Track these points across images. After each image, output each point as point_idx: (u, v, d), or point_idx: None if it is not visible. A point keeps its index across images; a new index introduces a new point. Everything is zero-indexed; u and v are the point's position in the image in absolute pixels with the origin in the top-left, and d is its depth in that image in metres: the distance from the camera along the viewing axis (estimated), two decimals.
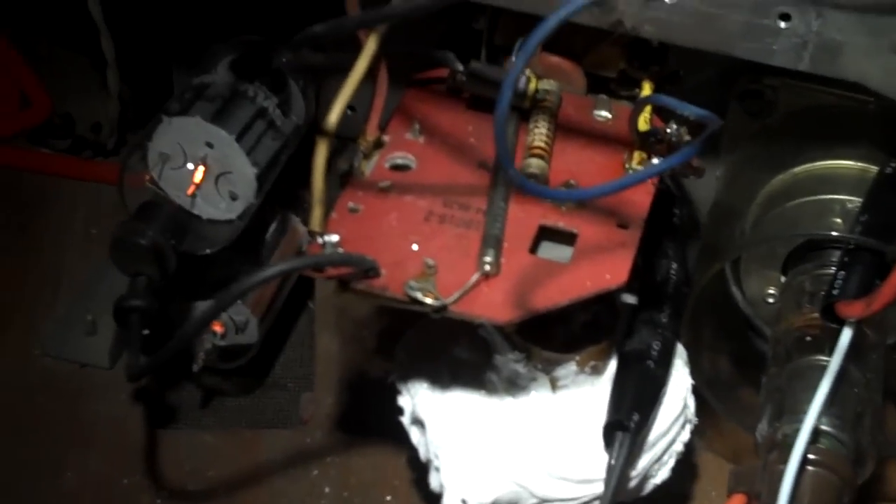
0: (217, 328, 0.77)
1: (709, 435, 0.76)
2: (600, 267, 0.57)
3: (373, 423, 0.73)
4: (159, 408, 0.80)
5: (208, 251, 0.73)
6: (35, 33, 0.96)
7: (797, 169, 0.68)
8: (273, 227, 0.82)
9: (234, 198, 0.72)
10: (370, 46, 0.56)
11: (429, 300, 0.55)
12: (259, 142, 0.74)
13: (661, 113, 0.63)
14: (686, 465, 0.74)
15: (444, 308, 0.55)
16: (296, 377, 0.84)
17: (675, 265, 0.67)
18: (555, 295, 0.56)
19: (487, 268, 0.56)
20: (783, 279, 0.69)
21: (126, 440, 0.77)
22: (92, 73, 0.93)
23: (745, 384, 0.73)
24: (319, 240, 0.56)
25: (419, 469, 0.65)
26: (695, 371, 0.68)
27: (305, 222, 0.77)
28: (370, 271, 0.55)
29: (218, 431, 0.78)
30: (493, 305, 0.55)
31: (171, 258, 0.69)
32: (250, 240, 0.79)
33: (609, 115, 0.65)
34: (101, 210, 0.90)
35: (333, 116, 0.55)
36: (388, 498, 0.73)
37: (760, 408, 0.61)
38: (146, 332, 0.67)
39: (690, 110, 0.53)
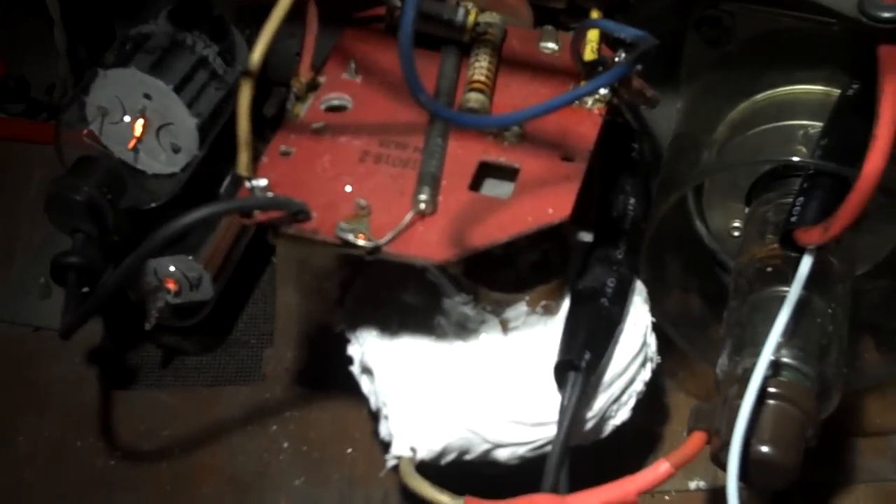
0: (170, 285, 0.76)
1: (681, 375, 0.75)
2: (543, 201, 0.54)
3: (333, 376, 0.71)
4: (117, 369, 0.78)
5: (153, 205, 0.71)
6: None
7: (758, 96, 0.66)
8: (226, 182, 0.79)
9: (176, 150, 0.71)
10: None
11: (361, 241, 0.53)
12: (201, 92, 0.72)
13: (610, 43, 0.60)
14: (658, 405, 0.73)
15: (377, 249, 0.53)
16: (259, 333, 0.83)
17: (632, 200, 0.65)
18: (494, 232, 0.53)
19: (423, 206, 0.54)
20: (747, 211, 0.66)
21: (80, 402, 0.75)
22: (45, 35, 0.89)
23: (715, 323, 0.71)
24: (247, 184, 0.54)
25: (375, 418, 0.63)
26: (661, 311, 0.67)
27: None
28: (299, 214, 0.53)
29: (176, 391, 0.77)
30: (428, 245, 0.53)
31: (107, 213, 0.68)
32: (203, 195, 0.76)
33: (556, 47, 0.62)
34: (57, 172, 0.86)
35: (256, 55, 0.53)
36: (349, 451, 0.71)
37: (721, 342, 0.59)
38: (85, 289, 0.66)
39: (626, 31, 0.51)
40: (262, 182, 0.54)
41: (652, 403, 0.73)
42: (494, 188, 0.57)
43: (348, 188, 0.55)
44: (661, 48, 0.66)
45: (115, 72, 0.68)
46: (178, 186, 0.70)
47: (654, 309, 0.64)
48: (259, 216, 0.54)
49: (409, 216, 0.53)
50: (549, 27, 0.62)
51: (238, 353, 0.81)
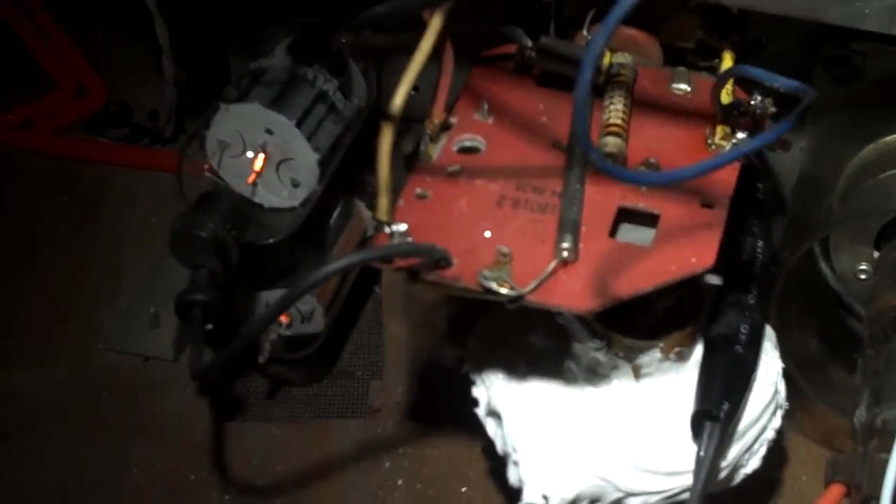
0: (282, 318, 0.75)
1: (798, 417, 0.73)
2: (685, 250, 0.53)
3: (445, 411, 0.71)
4: (225, 400, 0.78)
5: (271, 241, 0.70)
6: (90, 21, 0.95)
7: (889, 138, 0.64)
8: (337, 212, 0.80)
9: (295, 185, 0.70)
10: (435, 25, 0.53)
11: (504, 290, 0.52)
12: (320, 126, 0.72)
13: (743, 84, 0.59)
14: (776, 448, 0.71)
15: (520, 298, 0.52)
16: (364, 365, 0.82)
17: (760, 243, 0.64)
18: (638, 281, 0.52)
19: (565, 254, 0.53)
20: (876, 254, 0.64)
21: (192, 434, 0.75)
22: (147, 60, 0.93)
23: (836, 363, 0.70)
24: (387, 229, 0.53)
25: (494, 459, 0.63)
26: (783, 352, 0.65)
27: (370, 207, 0.78)
28: (441, 261, 0.52)
29: (285, 423, 0.76)
30: (572, 294, 0.52)
31: (232, 250, 0.67)
32: (314, 226, 0.77)
33: (688, 88, 0.61)
34: (160, 199, 0.89)
35: (399, 99, 0.52)
36: (464, 489, 0.71)
37: (857, 392, 0.57)
38: (209, 326, 0.65)
39: (781, 82, 0.50)
40: (402, 227, 0.54)
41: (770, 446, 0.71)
42: (630, 233, 0.56)
43: (487, 234, 0.54)
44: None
45: (237, 106, 0.67)
46: (298, 222, 0.69)
47: (781, 352, 0.63)
48: (399, 262, 0.53)
49: (552, 264, 0.53)
50: (682, 68, 0.62)
51: (344, 384, 0.81)
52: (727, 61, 0.61)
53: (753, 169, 0.68)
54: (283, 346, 0.77)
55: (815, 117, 0.69)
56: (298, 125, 0.69)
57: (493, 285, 0.52)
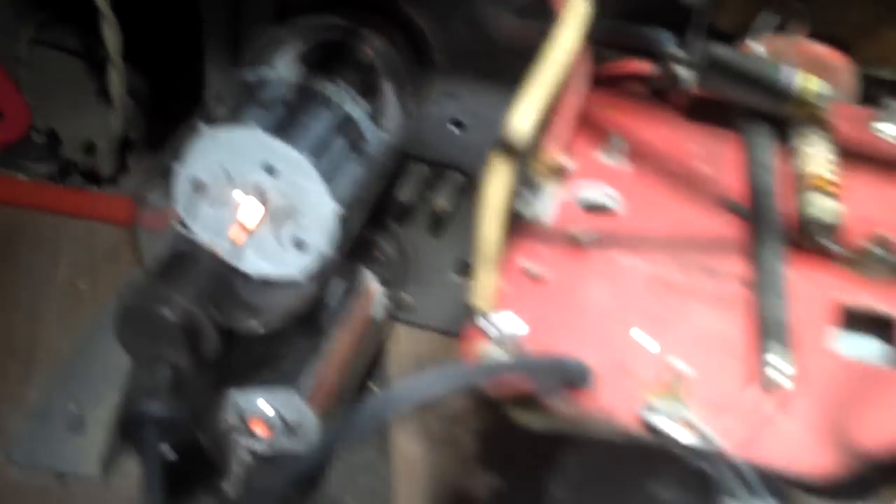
0: (259, 429, 0.57)
1: None
2: None
3: None
4: None
5: (259, 329, 0.53)
6: (11, 28, 0.80)
7: None
8: (337, 285, 0.62)
9: (301, 247, 0.52)
10: (577, 8, 0.34)
11: (686, 436, 0.33)
12: (343, 168, 0.54)
13: None
14: None
15: (715, 453, 0.33)
16: (360, 492, 0.65)
17: None
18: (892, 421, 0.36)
19: (777, 378, 0.35)
20: None
21: None
22: (85, 78, 0.77)
23: None
24: (486, 324, 0.34)
25: None
26: None
27: (383, 279, 0.63)
28: (579, 381, 0.33)
29: None
30: (792, 444, 0.35)
31: (210, 338, 0.50)
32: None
33: None
34: (91, 257, 0.72)
35: (526, 122, 0.33)
36: None
37: None
38: (170, 454, 0.49)
39: None
40: (512, 321, 0.35)
41: None
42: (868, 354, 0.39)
43: (644, 338, 0.36)
44: None
45: (226, 131, 0.50)
46: (303, 302, 0.53)
47: None
48: (524, 383, 0.35)
49: (760, 398, 0.33)
50: (893, 104, 0.44)
51: None
52: None
53: None
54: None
55: None
56: (313, 162, 0.51)
57: (666, 426, 0.34)
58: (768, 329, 0.36)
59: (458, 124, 0.48)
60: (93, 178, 0.78)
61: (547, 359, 0.36)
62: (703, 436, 0.35)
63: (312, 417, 0.58)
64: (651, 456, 0.45)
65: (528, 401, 0.37)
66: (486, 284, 0.36)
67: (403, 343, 0.66)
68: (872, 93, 0.48)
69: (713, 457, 0.43)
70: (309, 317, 0.60)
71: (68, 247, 0.73)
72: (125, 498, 0.62)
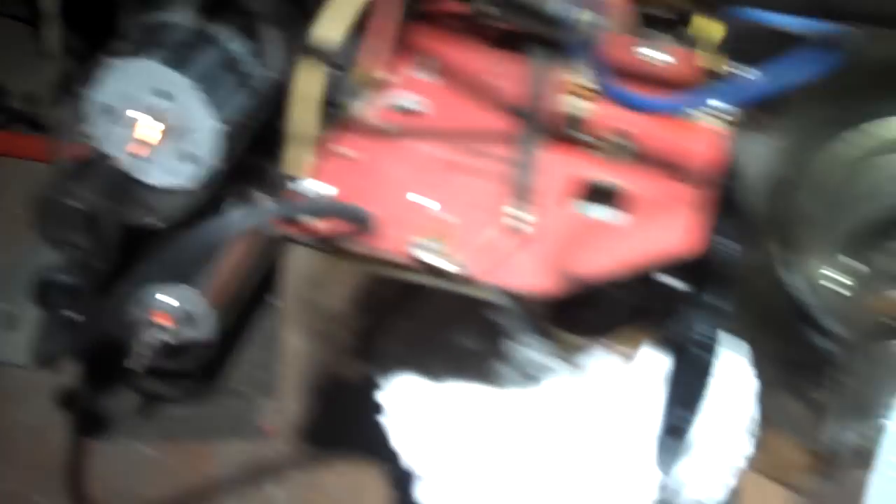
0: (164, 320, 0.65)
1: None
2: (663, 230, 0.46)
3: (345, 433, 0.64)
4: (89, 416, 0.69)
5: (159, 224, 0.61)
6: None
7: (862, 133, 0.58)
8: (231, 205, 0.68)
9: (193, 161, 0.60)
10: None
11: (443, 265, 0.43)
12: (228, 95, 0.61)
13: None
14: None
15: (466, 276, 0.43)
16: (254, 383, 0.74)
17: (729, 245, 0.56)
18: (606, 261, 0.45)
19: (517, 225, 0.44)
20: (845, 259, 0.58)
21: (46, 452, 0.66)
22: (28, 39, 0.82)
23: (790, 390, 0.63)
24: (302, 188, 0.44)
25: (398, 482, 0.57)
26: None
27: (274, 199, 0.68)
28: (367, 226, 0.43)
29: (159, 443, 0.67)
30: (524, 272, 0.45)
31: (109, 226, 0.58)
32: (204, 220, 0.66)
33: (663, 57, 0.54)
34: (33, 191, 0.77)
35: (335, 30, 0.43)
36: None
37: (828, 407, 0.52)
38: (71, 314, 0.57)
39: (796, 24, 0.43)
40: (323, 186, 0.45)
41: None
42: (600, 214, 0.48)
43: (425, 201, 0.46)
44: None
45: (128, 63, 0.57)
46: (193, 206, 0.59)
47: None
48: (317, 226, 0.44)
49: (500, 236, 0.44)
50: (659, 35, 0.54)
51: (230, 403, 0.72)
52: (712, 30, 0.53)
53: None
54: (163, 355, 0.66)
55: (787, 113, 0.62)
56: (201, 89, 0.59)
57: (430, 258, 0.44)
58: (517, 192, 0.46)
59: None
60: (35, 124, 0.84)
61: (337, 203, 0.45)
62: (457, 265, 0.44)
63: (207, 309, 0.66)
64: (458, 313, 0.55)
65: (326, 242, 0.46)
66: (297, 158, 0.45)
67: (299, 260, 0.73)
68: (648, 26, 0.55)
69: (505, 310, 0.53)
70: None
71: (12, 183, 0.81)
72: (51, 383, 0.69)
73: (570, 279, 0.45)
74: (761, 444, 0.65)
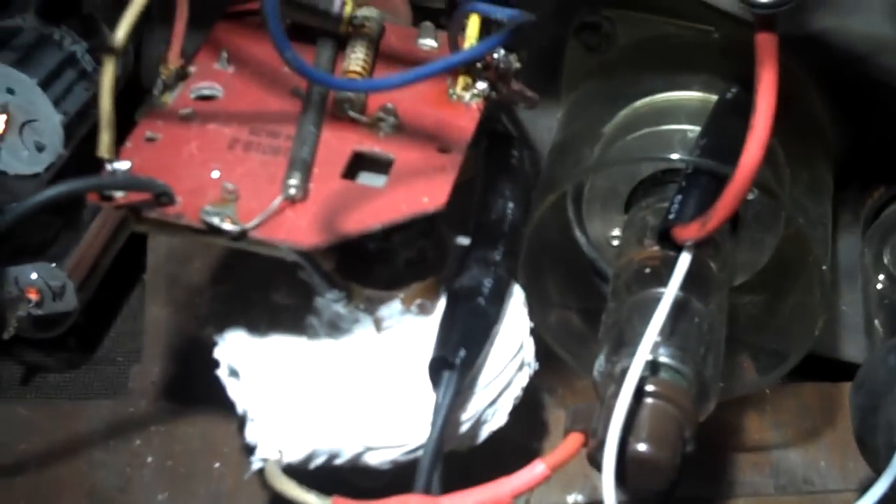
0: (31, 294, 0.72)
1: (560, 392, 0.73)
2: (418, 190, 0.53)
3: (203, 390, 0.67)
4: None
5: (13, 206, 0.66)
6: None
7: (638, 103, 0.65)
8: None
9: (40, 149, 0.68)
10: None
11: (227, 226, 0.50)
12: (69, 91, 0.69)
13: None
14: (537, 422, 0.71)
15: (243, 234, 0.50)
16: (126, 351, 0.81)
17: (511, 205, 0.64)
18: (367, 218, 0.52)
19: (293, 191, 0.52)
20: (621, 217, 0.65)
21: None
22: None
23: (595, 338, 0.69)
24: (109, 167, 0.51)
25: (239, 427, 0.60)
26: (543, 325, 0.66)
27: None
28: (163, 197, 0.51)
29: (33, 403, 0.73)
30: (297, 230, 0.51)
31: None
32: (69, 204, 0.75)
33: (435, 44, 0.61)
34: None
35: (120, 32, 0.50)
36: (217, 465, 0.68)
37: (598, 344, 0.57)
38: None
39: (502, 13, 0.50)
40: (125, 165, 0.52)
41: (531, 420, 0.71)
42: (370, 181, 0.55)
43: (216, 174, 0.53)
44: (542, 56, 0.67)
45: None
46: (41, 188, 0.66)
47: (536, 323, 0.63)
48: (120, 199, 0.51)
49: (277, 201, 0.51)
50: (428, 23, 0.62)
51: (104, 370, 0.79)
52: (473, 22, 0.60)
53: (510, 137, 0.68)
54: (33, 326, 0.73)
55: (570, 86, 0.70)
56: (43, 86, 0.67)
57: (215, 220, 0.51)
58: (294, 164, 0.53)
59: None
60: None
61: (134, 177, 0.51)
62: (240, 226, 0.51)
63: (71, 285, 0.74)
64: (274, 273, 0.61)
65: (135, 213, 0.52)
66: (105, 141, 0.52)
67: (162, 239, 0.78)
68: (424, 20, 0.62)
69: (309, 268, 0.60)
70: (71, 215, 0.76)
71: None
72: None
73: (338, 235, 0.51)
74: (573, 389, 0.73)
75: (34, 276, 0.72)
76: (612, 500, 0.51)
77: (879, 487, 0.51)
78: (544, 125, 0.71)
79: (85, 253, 0.75)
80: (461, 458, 0.61)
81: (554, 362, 0.69)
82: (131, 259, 0.81)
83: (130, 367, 0.77)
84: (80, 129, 0.69)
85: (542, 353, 0.65)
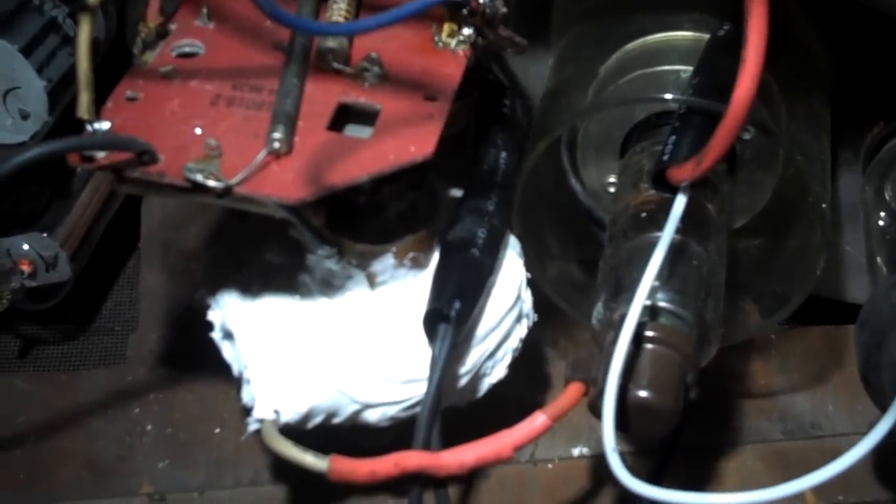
0: (24, 266, 0.72)
1: (562, 344, 0.72)
2: (405, 140, 0.52)
3: (201, 357, 0.66)
4: None
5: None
6: None
7: (629, 45, 0.64)
8: None
9: (25, 116, 0.67)
10: None
11: (211, 182, 0.49)
12: (52, 56, 0.68)
13: None
14: (539, 374, 0.71)
15: (228, 190, 0.49)
16: (124, 320, 0.80)
17: (504, 154, 0.62)
18: (353, 170, 0.51)
19: (277, 145, 0.51)
20: (616, 162, 0.64)
21: None
22: None
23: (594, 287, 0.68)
24: (89, 127, 0.50)
25: (237, 389, 0.59)
26: (542, 275, 0.65)
27: None
28: (145, 156, 0.50)
29: (31, 375, 0.72)
30: (283, 184, 0.50)
31: None
32: (61, 171, 0.74)
33: None
34: None
35: None
36: (217, 431, 0.68)
37: (596, 291, 0.56)
38: None
39: None
40: (105, 125, 0.51)
41: (533, 372, 0.71)
42: (356, 132, 0.54)
43: (198, 131, 0.52)
44: (532, 1, 0.65)
45: None
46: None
47: (536, 275, 0.63)
48: (102, 160, 0.50)
49: (261, 155, 0.50)
50: None
51: (101, 340, 0.79)
52: None
53: (501, 86, 0.67)
54: (28, 297, 0.73)
55: (560, 32, 0.69)
56: (25, 53, 0.65)
57: (199, 177, 0.50)
58: (277, 117, 0.52)
59: None
60: None
61: (115, 136, 0.50)
62: (225, 182, 0.50)
63: (64, 255, 0.73)
64: (265, 233, 0.61)
65: (117, 173, 0.51)
66: (84, 101, 0.51)
67: (155, 206, 0.78)
68: None
69: (298, 224, 0.59)
70: (62, 184, 0.75)
71: None
72: None
73: (325, 187, 0.50)
74: (575, 341, 0.72)
75: (26, 247, 0.71)
76: (611, 446, 0.50)
77: (884, 425, 0.50)
78: (536, 73, 0.69)
79: (77, 222, 0.74)
80: (463, 413, 0.61)
81: (555, 315, 0.68)
82: (127, 227, 0.80)
83: (128, 336, 0.75)
84: (65, 96, 0.68)
85: (544, 305, 0.64)
